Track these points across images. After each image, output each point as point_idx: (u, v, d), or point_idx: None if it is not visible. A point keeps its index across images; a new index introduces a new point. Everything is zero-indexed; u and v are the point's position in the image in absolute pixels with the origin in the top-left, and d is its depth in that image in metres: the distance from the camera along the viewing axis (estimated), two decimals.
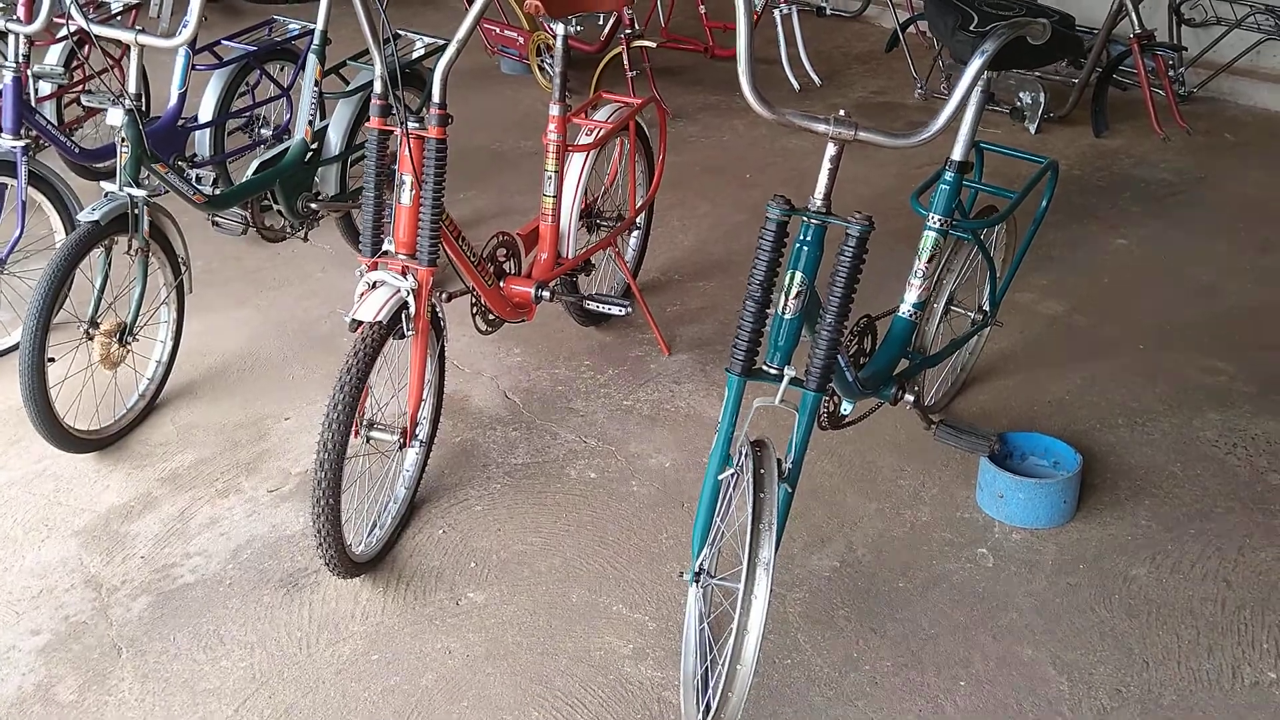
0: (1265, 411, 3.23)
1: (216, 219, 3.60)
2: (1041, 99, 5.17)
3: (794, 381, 2.04)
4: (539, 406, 3.24)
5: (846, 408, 2.60)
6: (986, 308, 2.99)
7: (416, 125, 2.41)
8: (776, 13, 5.64)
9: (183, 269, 3.19)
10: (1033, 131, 5.24)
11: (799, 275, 2.01)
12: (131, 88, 2.92)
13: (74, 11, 2.82)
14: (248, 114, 4.18)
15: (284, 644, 2.45)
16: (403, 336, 2.48)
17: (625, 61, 5.14)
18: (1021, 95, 5.19)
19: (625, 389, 3.32)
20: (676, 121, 5.29)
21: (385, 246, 2.51)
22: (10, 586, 2.61)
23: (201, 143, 4.01)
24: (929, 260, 2.61)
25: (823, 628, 2.49)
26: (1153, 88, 5.07)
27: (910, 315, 2.67)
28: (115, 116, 2.88)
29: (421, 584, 2.61)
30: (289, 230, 3.63)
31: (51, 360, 2.86)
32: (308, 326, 3.67)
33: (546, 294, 3.04)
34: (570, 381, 3.36)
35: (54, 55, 4.32)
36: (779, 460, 2.01)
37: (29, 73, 3.73)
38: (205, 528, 2.79)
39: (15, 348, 3.51)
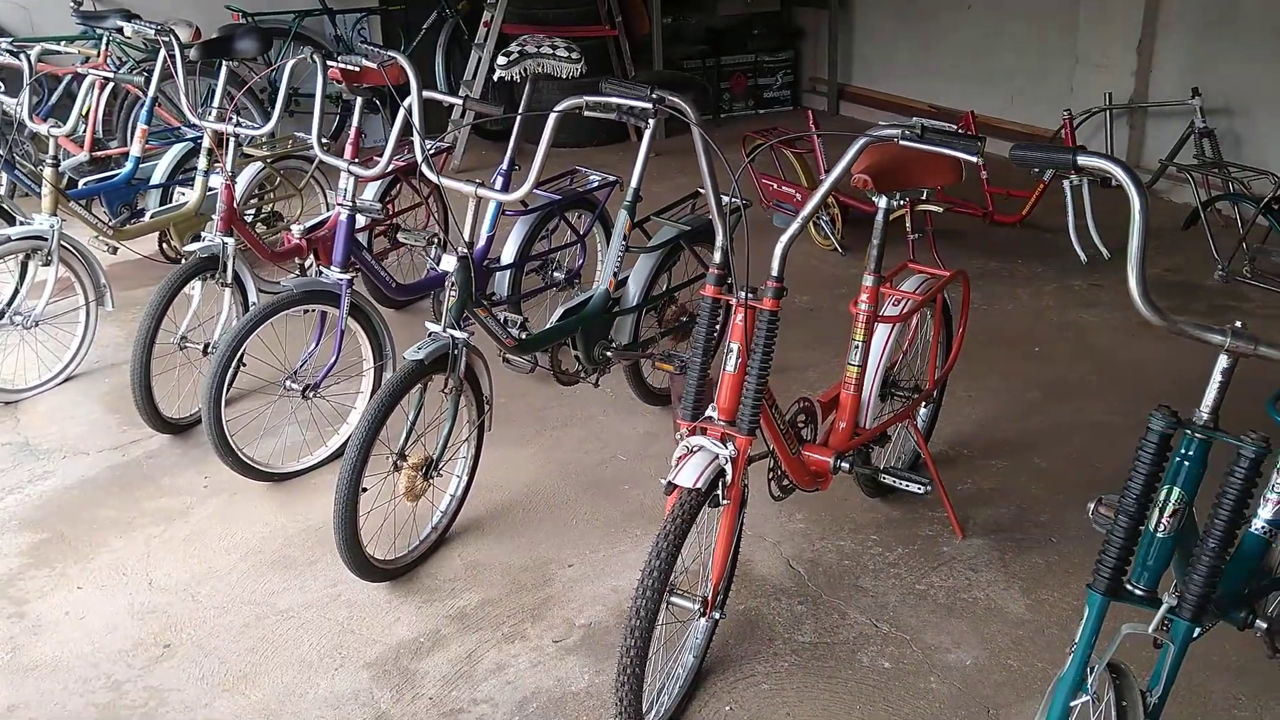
0: None
1: (507, 356, 3.71)
2: None
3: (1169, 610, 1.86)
4: (825, 580, 3.11)
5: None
6: None
7: (752, 296, 2.41)
8: (1066, 184, 5.49)
9: (486, 407, 3.29)
10: None
11: (1177, 492, 1.85)
12: (467, 236, 3.07)
13: (425, 170, 3.00)
14: (543, 258, 4.36)
15: None
16: (717, 504, 2.44)
17: (908, 224, 5.07)
18: None
19: (917, 571, 3.15)
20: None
21: (708, 412, 2.49)
22: (306, 715, 2.66)
23: (501, 283, 4.20)
24: None
25: None
26: None
27: (1262, 531, 2.41)
28: (449, 262, 3.03)
29: None
30: (582, 375, 3.70)
31: (364, 490, 2.97)
32: (589, 470, 3.70)
33: (845, 465, 2.95)
34: (857, 556, 3.22)
35: (370, 191, 4.64)
36: (1143, 693, 1.82)
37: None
38: (491, 673, 2.79)
39: (318, 465, 3.72)
